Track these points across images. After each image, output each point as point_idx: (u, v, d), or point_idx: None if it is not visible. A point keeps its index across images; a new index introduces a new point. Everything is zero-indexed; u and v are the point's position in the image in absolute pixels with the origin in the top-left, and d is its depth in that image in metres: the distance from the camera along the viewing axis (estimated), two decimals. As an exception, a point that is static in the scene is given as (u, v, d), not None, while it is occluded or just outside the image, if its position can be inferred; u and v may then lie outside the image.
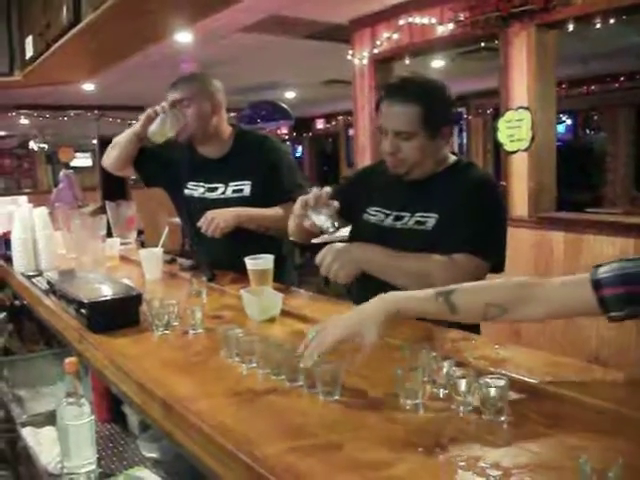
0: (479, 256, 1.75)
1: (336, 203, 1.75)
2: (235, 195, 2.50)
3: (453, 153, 1.98)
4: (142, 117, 2.50)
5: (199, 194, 2.57)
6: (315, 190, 1.78)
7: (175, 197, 2.72)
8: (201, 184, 2.58)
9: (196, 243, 2.69)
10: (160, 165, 2.67)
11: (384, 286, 1.49)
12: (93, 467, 1.54)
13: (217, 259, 2.39)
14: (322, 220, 1.77)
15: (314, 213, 1.77)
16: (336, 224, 1.76)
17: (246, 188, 2.49)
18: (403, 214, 1.89)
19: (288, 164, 2.57)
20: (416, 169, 1.87)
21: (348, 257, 1.77)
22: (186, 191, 2.61)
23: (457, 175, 1.89)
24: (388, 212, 1.93)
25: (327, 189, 1.78)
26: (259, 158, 2.51)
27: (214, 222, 2.30)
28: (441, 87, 1.88)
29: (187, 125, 2.47)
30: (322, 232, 1.82)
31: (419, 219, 1.85)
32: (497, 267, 1.82)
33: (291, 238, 2.20)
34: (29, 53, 3.38)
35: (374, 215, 1.97)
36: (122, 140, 2.61)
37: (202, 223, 2.33)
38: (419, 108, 1.79)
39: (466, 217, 1.77)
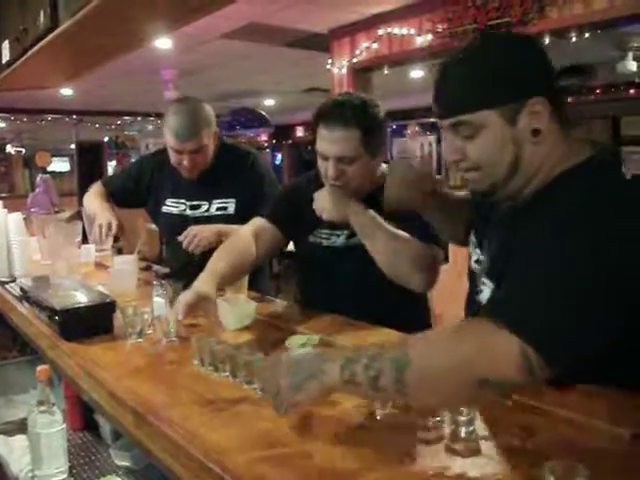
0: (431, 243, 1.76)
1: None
2: (219, 213, 2.48)
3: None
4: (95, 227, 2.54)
5: (179, 211, 2.55)
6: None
7: (153, 214, 2.72)
8: (182, 201, 2.55)
9: (169, 257, 2.69)
10: (139, 193, 2.68)
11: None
12: (65, 476, 1.53)
13: (191, 271, 2.39)
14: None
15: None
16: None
17: (230, 206, 2.48)
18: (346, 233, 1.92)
19: (270, 181, 2.55)
20: (360, 189, 1.85)
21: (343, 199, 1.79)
22: (164, 208, 2.59)
23: None
24: (339, 232, 1.95)
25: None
26: (244, 176, 2.49)
27: (196, 238, 2.29)
28: (376, 106, 1.84)
29: (197, 167, 2.43)
30: None
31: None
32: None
33: None
34: (5, 58, 3.36)
35: (320, 236, 2.00)
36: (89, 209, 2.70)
37: (184, 237, 2.31)
38: (359, 132, 1.76)
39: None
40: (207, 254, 2.26)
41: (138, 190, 2.66)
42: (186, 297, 1.63)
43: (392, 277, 1.74)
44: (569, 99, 8.90)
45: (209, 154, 2.44)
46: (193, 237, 2.29)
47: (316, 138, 1.83)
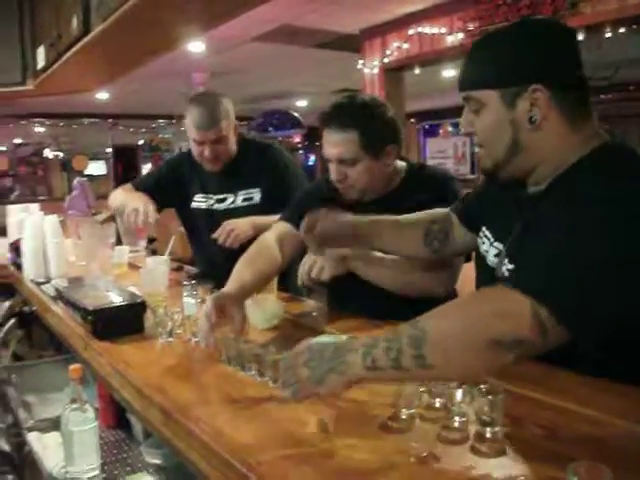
0: None
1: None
2: (245, 204, 2.53)
3: (401, 158, 1.96)
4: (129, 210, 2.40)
5: (207, 205, 2.59)
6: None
7: (181, 211, 2.75)
8: (209, 196, 2.60)
9: (199, 253, 2.71)
10: (167, 192, 2.69)
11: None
12: (97, 472, 1.55)
13: (220, 269, 2.40)
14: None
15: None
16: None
17: (255, 196, 2.52)
18: None
19: (292, 170, 2.59)
20: (368, 192, 1.86)
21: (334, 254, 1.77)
22: (193, 204, 2.64)
23: (416, 183, 1.88)
24: None
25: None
26: (265, 165, 2.53)
27: (233, 233, 2.31)
28: (379, 107, 1.84)
29: (219, 158, 2.47)
30: None
31: None
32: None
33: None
34: (41, 63, 3.43)
35: None
36: (118, 200, 2.64)
37: (219, 234, 2.32)
38: (356, 133, 1.76)
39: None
40: (238, 252, 2.29)
41: (169, 189, 2.69)
42: (213, 300, 1.61)
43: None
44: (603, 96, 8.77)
45: (230, 146, 2.48)
46: (230, 232, 2.31)
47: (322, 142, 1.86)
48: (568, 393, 1.15)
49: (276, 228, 2.04)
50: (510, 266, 1.29)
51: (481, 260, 1.46)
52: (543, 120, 1.21)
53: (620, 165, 1.15)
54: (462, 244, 1.65)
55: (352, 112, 1.80)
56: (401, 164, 1.96)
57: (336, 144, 1.79)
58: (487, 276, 1.39)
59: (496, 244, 1.40)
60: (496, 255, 1.39)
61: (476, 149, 1.40)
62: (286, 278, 2.28)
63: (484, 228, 1.48)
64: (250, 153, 2.57)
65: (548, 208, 1.17)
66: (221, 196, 2.57)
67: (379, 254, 1.79)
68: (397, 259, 1.77)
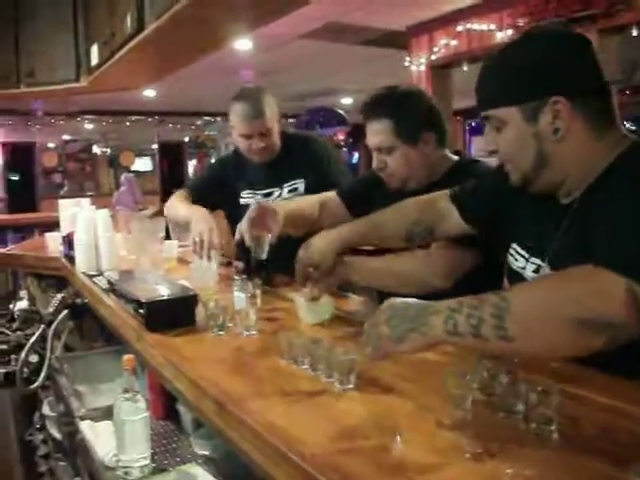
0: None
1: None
2: (291, 195, 2.57)
3: (457, 152, 2.00)
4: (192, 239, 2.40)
5: (256, 201, 2.62)
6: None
7: (230, 209, 2.77)
8: (257, 191, 2.63)
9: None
10: (217, 193, 2.73)
11: None
12: (147, 462, 1.58)
13: (273, 263, 2.42)
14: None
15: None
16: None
17: (300, 186, 2.55)
18: None
19: (335, 161, 2.63)
20: (410, 181, 1.91)
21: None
22: (242, 201, 2.67)
23: (461, 176, 1.85)
24: None
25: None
26: (309, 157, 2.57)
27: None
28: (415, 95, 1.91)
29: (267, 149, 2.50)
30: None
31: None
32: None
33: None
34: (94, 61, 3.50)
35: None
36: (178, 215, 2.68)
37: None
38: (390, 121, 1.83)
39: None
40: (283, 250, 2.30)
41: (219, 190, 2.72)
42: (250, 213, 1.71)
43: None
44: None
45: (276, 138, 2.53)
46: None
47: None
48: (625, 395, 1.12)
49: (323, 194, 2.16)
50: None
51: (516, 276, 1.44)
52: (567, 131, 1.21)
53: None
54: (455, 232, 1.67)
55: (386, 102, 1.88)
56: (452, 157, 1.98)
57: (373, 133, 1.88)
58: None
59: (533, 259, 1.39)
60: (535, 271, 1.37)
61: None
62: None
63: (515, 245, 1.47)
64: (293, 146, 2.61)
65: (600, 203, 1.14)
66: (267, 191, 2.61)
67: (369, 259, 1.84)
68: (387, 258, 1.81)
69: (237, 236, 1.80)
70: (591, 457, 0.92)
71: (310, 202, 2.10)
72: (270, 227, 1.81)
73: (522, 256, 1.43)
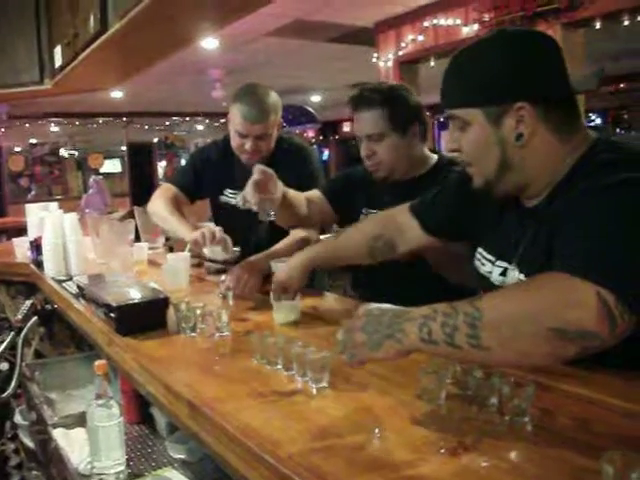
0: None
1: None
2: None
3: (432, 151, 2.09)
4: (191, 240, 2.24)
5: (236, 202, 2.58)
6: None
7: (212, 201, 2.74)
8: (237, 192, 2.57)
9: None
10: (204, 185, 2.70)
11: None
12: (122, 468, 1.56)
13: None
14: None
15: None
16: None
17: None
18: None
19: (318, 176, 2.55)
20: (395, 171, 1.99)
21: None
22: (222, 197, 2.63)
23: (446, 173, 1.88)
24: None
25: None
26: (295, 169, 2.45)
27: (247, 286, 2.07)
28: (403, 89, 2.01)
29: (259, 153, 2.43)
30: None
31: None
32: None
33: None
34: (58, 62, 3.45)
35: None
36: (169, 229, 2.59)
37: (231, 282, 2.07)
38: (382, 110, 1.93)
39: None
40: (265, 246, 2.28)
41: (204, 180, 2.67)
42: (254, 176, 1.79)
43: None
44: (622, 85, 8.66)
45: (271, 143, 2.46)
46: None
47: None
48: (599, 385, 1.13)
49: (307, 192, 2.21)
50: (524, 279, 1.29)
51: (483, 280, 1.45)
52: (531, 136, 1.21)
53: (616, 156, 1.15)
54: (417, 244, 1.70)
55: (378, 92, 1.96)
56: (432, 155, 2.06)
57: (365, 121, 1.96)
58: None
59: (499, 263, 1.39)
60: (501, 274, 1.38)
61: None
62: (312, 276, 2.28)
63: (480, 249, 1.48)
64: (283, 153, 2.53)
65: (572, 203, 1.13)
66: None
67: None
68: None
69: (240, 201, 1.83)
70: (565, 448, 0.93)
71: (299, 196, 2.11)
72: (272, 192, 1.84)
73: (489, 260, 1.43)
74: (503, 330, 0.97)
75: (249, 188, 1.78)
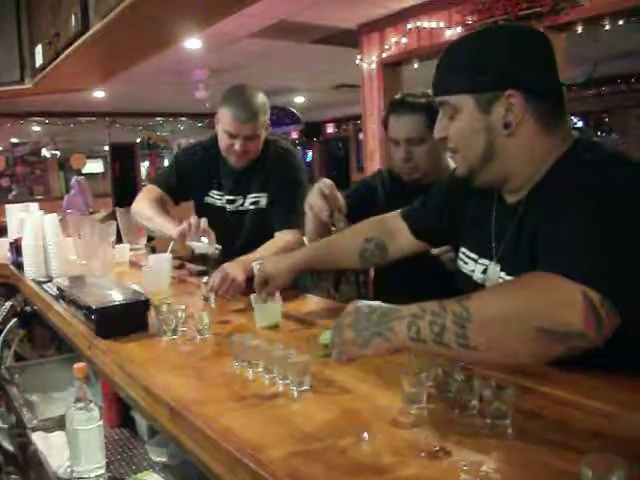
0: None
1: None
2: (252, 207, 2.51)
3: None
4: (177, 232, 2.23)
5: (221, 204, 2.58)
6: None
7: (196, 201, 2.72)
8: (223, 194, 2.57)
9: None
10: (188, 186, 2.66)
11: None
12: (102, 471, 1.54)
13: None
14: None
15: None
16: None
17: (262, 200, 2.49)
18: None
19: (302, 182, 2.50)
20: (429, 174, 2.06)
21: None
22: (207, 199, 2.61)
23: None
24: None
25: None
26: (279, 173, 2.48)
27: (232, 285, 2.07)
28: None
29: (248, 154, 2.42)
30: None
31: None
32: None
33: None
34: (39, 62, 3.42)
35: None
36: (155, 227, 2.54)
37: (214, 283, 2.06)
38: (424, 116, 1.99)
39: None
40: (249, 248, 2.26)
41: (189, 182, 2.65)
42: (322, 188, 1.80)
43: None
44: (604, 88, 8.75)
45: (259, 145, 2.45)
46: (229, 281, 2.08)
47: (387, 131, 2.11)
48: (579, 387, 1.14)
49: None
50: (507, 277, 1.30)
51: (466, 279, 1.45)
52: (518, 125, 1.23)
53: (597, 156, 1.19)
54: (408, 249, 1.71)
55: (419, 99, 2.05)
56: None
57: (406, 125, 2.03)
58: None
59: (481, 260, 1.41)
60: (483, 272, 1.39)
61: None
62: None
63: (463, 249, 1.50)
64: (269, 157, 2.51)
65: (554, 202, 1.15)
66: (231, 197, 2.54)
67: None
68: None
69: (308, 212, 1.89)
70: (546, 450, 0.93)
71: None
72: (337, 201, 1.84)
73: (471, 259, 1.45)
74: (491, 330, 0.98)
75: (318, 200, 1.79)
